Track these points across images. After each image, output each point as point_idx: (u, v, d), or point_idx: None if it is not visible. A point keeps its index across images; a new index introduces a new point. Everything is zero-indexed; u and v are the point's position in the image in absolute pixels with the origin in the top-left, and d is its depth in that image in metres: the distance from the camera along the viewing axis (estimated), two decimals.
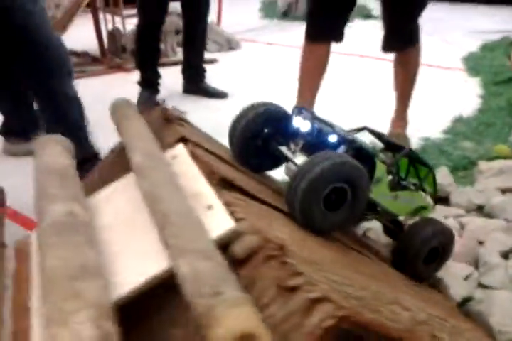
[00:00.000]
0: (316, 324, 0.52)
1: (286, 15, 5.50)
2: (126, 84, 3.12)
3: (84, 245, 0.66)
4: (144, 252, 0.67)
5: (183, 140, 0.89)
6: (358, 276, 0.74)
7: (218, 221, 0.67)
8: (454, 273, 1.19)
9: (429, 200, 1.09)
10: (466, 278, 1.20)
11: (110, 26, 3.69)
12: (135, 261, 0.66)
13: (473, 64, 3.28)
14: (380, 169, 0.90)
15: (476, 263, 1.26)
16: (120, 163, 1.04)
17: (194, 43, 2.65)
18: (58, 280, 0.58)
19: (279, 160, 0.99)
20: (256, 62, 3.69)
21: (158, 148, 0.85)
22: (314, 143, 0.90)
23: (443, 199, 1.55)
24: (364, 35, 4.21)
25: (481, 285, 1.18)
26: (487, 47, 3.67)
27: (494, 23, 4.86)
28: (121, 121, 0.95)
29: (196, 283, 0.52)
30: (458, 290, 1.13)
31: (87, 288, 0.58)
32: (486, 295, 1.10)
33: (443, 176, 1.60)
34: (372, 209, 0.98)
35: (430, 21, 5.06)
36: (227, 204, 0.70)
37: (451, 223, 1.41)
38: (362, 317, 0.54)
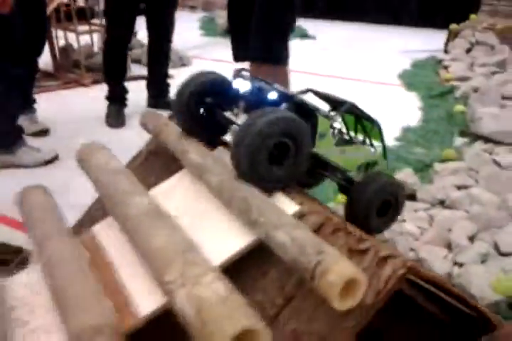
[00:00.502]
0: (390, 274, 0.67)
1: (227, 32, 5.72)
2: (87, 98, 3.16)
3: (175, 227, 0.78)
4: (224, 231, 0.80)
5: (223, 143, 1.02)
6: None
7: (284, 205, 0.81)
8: (434, 255, 1.40)
9: (378, 155, 1.04)
10: (444, 258, 1.41)
11: (62, 42, 3.70)
12: (219, 239, 0.79)
13: (409, 80, 3.64)
14: (323, 124, 0.88)
15: (448, 246, 1.48)
16: (153, 164, 1.15)
17: (159, 60, 2.76)
18: (173, 254, 0.70)
19: (226, 126, 0.98)
20: None
21: (205, 149, 0.97)
22: (256, 103, 0.89)
23: (410, 196, 1.77)
24: (302, 52, 4.53)
25: (457, 264, 1.39)
26: (417, 65, 4.08)
27: (417, 43, 5.36)
28: (161, 129, 1.06)
29: (298, 246, 0.66)
30: (440, 267, 1.34)
31: (198, 257, 0.70)
32: (464, 270, 1.32)
33: (408, 176, 1.83)
34: (322, 166, 0.97)
35: (362, 41, 5.53)
36: (285, 193, 0.84)
37: (421, 215, 1.63)
38: (423, 270, 0.71)
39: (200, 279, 0.65)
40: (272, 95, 0.88)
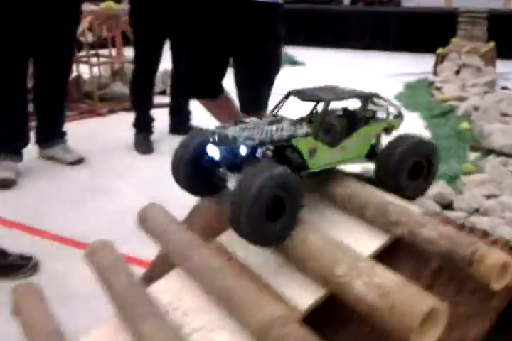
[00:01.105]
0: None
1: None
2: (108, 127, 3.26)
3: (322, 231, 0.90)
4: (359, 233, 0.92)
5: None
6: None
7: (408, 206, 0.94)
8: None
9: (394, 118, 0.99)
10: None
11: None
12: (356, 240, 0.91)
13: (406, 101, 3.86)
14: (305, 145, 0.87)
15: None
16: None
17: None
18: (336, 251, 0.82)
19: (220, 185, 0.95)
20: None
21: None
22: (234, 164, 0.86)
23: (447, 206, 1.93)
24: (294, 78, 4.76)
25: None
26: (411, 87, 4.33)
27: (400, 67, 5.67)
28: None
29: (448, 240, 0.79)
30: None
31: (356, 254, 0.82)
32: None
33: (443, 187, 1.99)
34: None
35: (348, 66, 5.80)
36: None
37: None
38: None
39: (372, 270, 0.77)
40: (243, 150, 0.83)
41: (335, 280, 0.80)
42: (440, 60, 4.62)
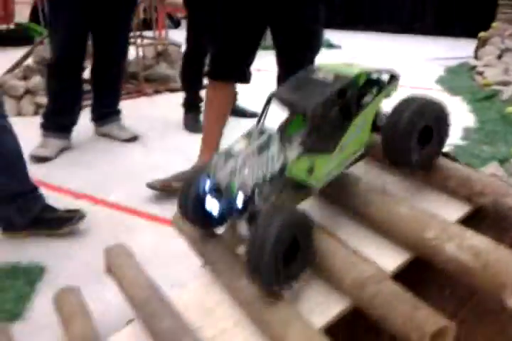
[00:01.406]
0: None
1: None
2: (155, 106, 3.35)
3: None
4: (440, 203, 0.98)
5: None
6: None
7: None
8: None
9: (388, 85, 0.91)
10: None
11: None
12: (437, 210, 0.97)
13: (449, 85, 3.84)
14: (300, 169, 0.83)
15: None
16: None
17: None
18: (423, 217, 0.88)
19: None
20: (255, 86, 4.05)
21: None
22: (235, 212, 0.83)
23: None
24: (327, 60, 4.77)
25: None
26: (452, 72, 4.30)
27: (439, 51, 5.60)
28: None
29: None
30: None
31: (441, 218, 0.88)
32: None
33: (496, 169, 2.02)
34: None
35: (386, 49, 5.75)
36: None
37: None
38: None
39: (462, 233, 0.83)
40: (239, 201, 0.80)
41: (425, 243, 0.86)
42: (481, 44, 4.56)
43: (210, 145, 1.97)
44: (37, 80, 3.17)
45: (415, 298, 0.79)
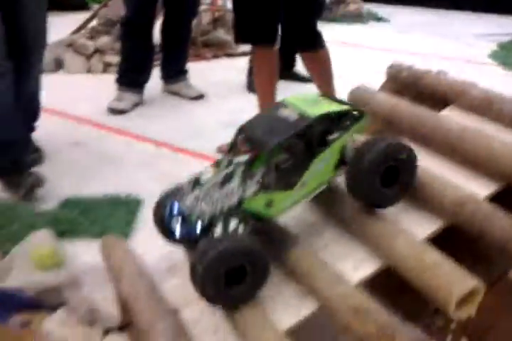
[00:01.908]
0: None
1: None
2: (215, 69, 3.48)
3: None
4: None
5: None
6: None
7: None
8: None
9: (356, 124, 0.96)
10: None
11: None
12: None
13: (504, 60, 3.84)
14: (257, 204, 0.89)
15: None
16: None
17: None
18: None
19: None
20: None
21: None
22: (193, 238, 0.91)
23: None
24: (382, 34, 4.82)
25: None
26: (505, 48, 4.27)
27: (488, 26, 5.52)
28: None
29: None
30: None
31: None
32: None
33: None
34: None
35: (434, 25, 5.70)
36: None
37: None
38: None
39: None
40: (197, 229, 0.89)
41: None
42: None
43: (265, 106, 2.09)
44: (105, 40, 3.32)
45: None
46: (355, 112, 0.96)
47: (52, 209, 1.58)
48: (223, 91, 2.96)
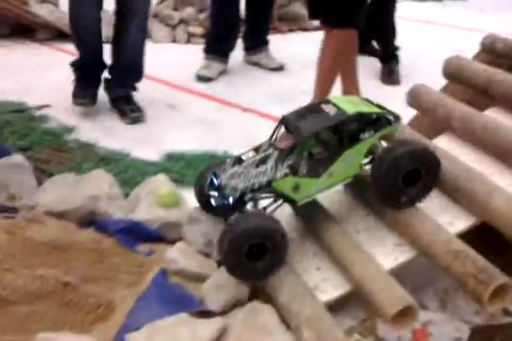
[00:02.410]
0: None
1: None
2: (291, 43, 3.55)
3: None
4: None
5: None
6: None
7: None
8: None
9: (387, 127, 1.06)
10: None
11: None
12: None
13: None
14: (284, 186, 1.01)
15: None
16: None
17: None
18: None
19: None
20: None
21: None
22: (226, 208, 1.06)
23: None
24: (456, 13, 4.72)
25: None
26: None
27: None
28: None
29: None
30: None
31: None
32: None
33: None
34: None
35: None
36: None
37: None
38: None
39: None
40: (230, 201, 1.05)
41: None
42: None
43: (321, 92, 2.08)
44: (189, 11, 3.46)
45: None
46: (390, 116, 1.07)
47: (159, 161, 1.76)
48: (301, 63, 3.04)
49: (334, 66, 2.10)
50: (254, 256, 0.99)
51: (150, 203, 1.33)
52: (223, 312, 1.04)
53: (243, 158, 1.09)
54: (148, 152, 1.81)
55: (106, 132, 1.97)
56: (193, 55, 3.03)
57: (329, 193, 1.17)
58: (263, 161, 1.04)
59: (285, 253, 1.03)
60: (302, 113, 1.08)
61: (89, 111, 2.16)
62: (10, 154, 1.55)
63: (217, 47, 2.74)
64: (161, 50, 3.27)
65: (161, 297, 1.04)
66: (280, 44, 3.49)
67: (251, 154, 1.10)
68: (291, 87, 2.66)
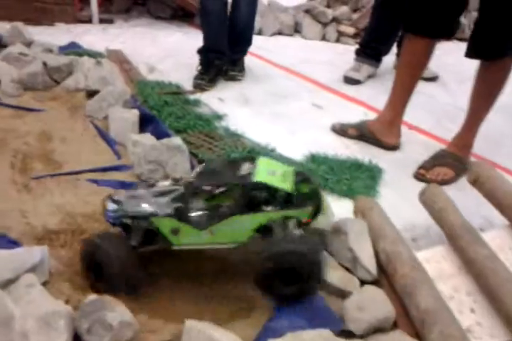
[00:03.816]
0: None
1: None
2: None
3: None
4: None
5: None
6: None
7: None
8: None
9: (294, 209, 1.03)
10: None
11: None
12: None
13: None
14: (164, 224, 1.01)
15: None
16: None
17: None
18: None
19: None
20: None
21: None
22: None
23: None
24: None
25: None
26: None
27: None
28: None
29: None
30: None
31: None
32: None
33: None
34: None
35: None
36: None
37: None
38: None
39: None
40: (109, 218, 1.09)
41: None
42: None
43: (395, 101, 1.86)
44: (343, 10, 3.41)
45: None
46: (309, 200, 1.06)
47: (302, 160, 1.74)
48: (455, 75, 2.85)
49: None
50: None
51: None
52: (364, 336, 0.99)
53: (157, 184, 1.11)
54: (292, 149, 1.80)
55: (252, 124, 1.99)
56: (342, 55, 2.98)
57: None
58: (163, 194, 1.04)
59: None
60: (218, 164, 1.14)
61: (234, 102, 2.22)
62: (170, 136, 1.63)
63: (372, 50, 2.66)
64: (310, 46, 3.26)
65: (303, 307, 1.02)
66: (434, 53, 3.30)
67: (167, 183, 1.10)
68: (446, 101, 2.50)
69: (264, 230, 1.02)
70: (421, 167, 1.74)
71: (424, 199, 1.37)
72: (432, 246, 1.30)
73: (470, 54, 1.65)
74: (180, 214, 1.00)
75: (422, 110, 2.31)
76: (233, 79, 2.47)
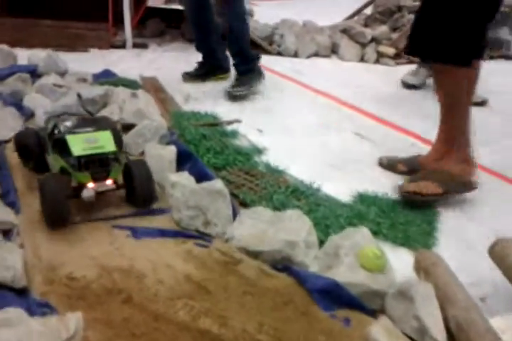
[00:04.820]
0: None
1: None
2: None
3: None
4: None
5: None
6: None
7: None
8: None
9: None
10: None
11: None
12: None
13: None
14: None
15: None
16: None
17: None
18: None
19: None
20: None
21: None
22: None
23: None
24: None
25: None
26: None
27: None
28: None
29: None
30: None
31: None
32: None
33: None
34: None
35: None
36: None
37: None
38: None
39: None
40: None
41: None
42: None
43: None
44: (382, 29, 3.29)
45: None
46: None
47: (350, 201, 1.61)
48: (503, 96, 2.70)
49: None
50: None
51: (352, 263, 1.19)
52: None
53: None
54: (338, 187, 1.68)
55: (294, 157, 1.89)
56: (383, 77, 2.86)
57: None
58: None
59: None
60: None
61: (273, 132, 2.12)
62: (209, 175, 1.53)
63: None
64: (349, 68, 3.15)
65: None
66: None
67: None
68: (493, 127, 2.34)
69: None
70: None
71: (494, 253, 1.23)
72: (503, 307, 1.17)
73: (407, 51, 1.74)
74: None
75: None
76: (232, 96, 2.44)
